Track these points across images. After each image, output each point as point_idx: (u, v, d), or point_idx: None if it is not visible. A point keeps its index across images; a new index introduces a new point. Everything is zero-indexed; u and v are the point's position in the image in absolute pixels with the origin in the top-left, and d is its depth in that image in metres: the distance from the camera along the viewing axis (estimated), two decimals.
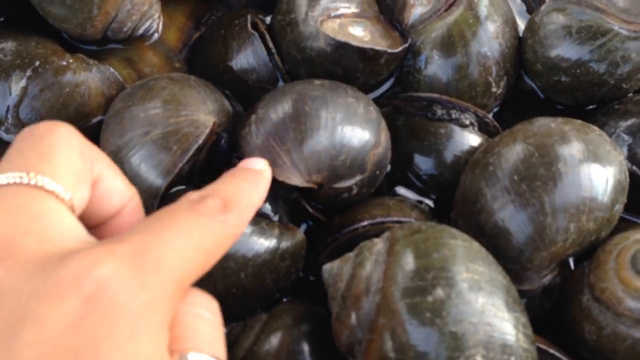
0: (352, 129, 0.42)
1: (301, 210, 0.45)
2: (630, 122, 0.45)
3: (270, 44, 0.49)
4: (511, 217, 0.39)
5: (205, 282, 0.40)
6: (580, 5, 0.46)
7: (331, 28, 0.46)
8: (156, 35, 0.50)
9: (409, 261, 0.34)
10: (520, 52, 0.50)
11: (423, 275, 0.33)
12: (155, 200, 0.41)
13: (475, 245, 0.36)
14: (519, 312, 0.34)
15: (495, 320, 0.33)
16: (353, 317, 0.35)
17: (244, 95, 0.50)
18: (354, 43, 0.45)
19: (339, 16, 0.47)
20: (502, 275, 0.35)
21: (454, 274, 0.33)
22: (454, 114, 0.47)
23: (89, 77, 0.46)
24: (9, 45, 0.45)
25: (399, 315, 0.33)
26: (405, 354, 0.32)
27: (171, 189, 0.43)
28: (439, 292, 0.33)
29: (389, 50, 0.46)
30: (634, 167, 0.44)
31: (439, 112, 0.47)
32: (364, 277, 0.36)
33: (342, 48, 0.45)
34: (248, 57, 0.50)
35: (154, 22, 0.48)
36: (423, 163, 0.47)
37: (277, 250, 0.41)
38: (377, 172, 0.45)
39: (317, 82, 0.44)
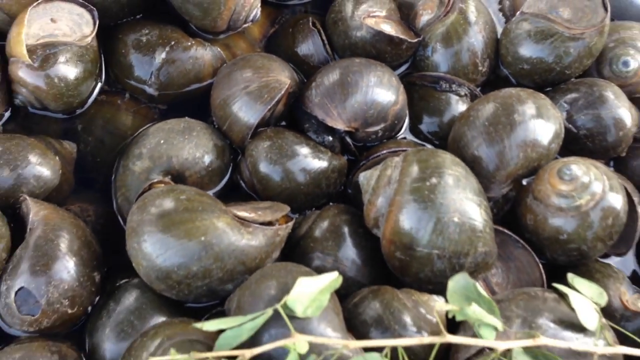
0: (378, 93, 0.64)
1: (344, 147, 0.67)
2: (569, 96, 0.67)
3: (324, 37, 0.72)
4: (482, 150, 0.60)
5: (285, 181, 0.62)
6: (538, 17, 0.68)
7: (370, 22, 0.69)
8: (256, 20, 0.70)
9: (415, 164, 0.55)
10: (498, 48, 0.72)
11: (424, 171, 0.54)
12: (250, 131, 0.63)
13: (458, 159, 0.57)
14: (483, 198, 0.55)
15: (467, 199, 0.54)
16: (380, 199, 0.56)
17: (306, 72, 0.72)
18: (386, 32, 0.67)
19: (374, 16, 0.69)
20: (474, 178, 0.56)
21: (444, 171, 0.54)
22: (454, 87, 0.68)
23: (204, 54, 0.69)
24: (154, 30, 0.68)
25: (409, 194, 0.54)
26: (412, 218, 0.53)
27: (258, 128, 0.65)
28: (434, 180, 0.54)
29: (409, 40, 0.69)
30: (570, 125, 0.65)
31: (444, 85, 0.68)
32: (387, 175, 0.57)
33: (377, 35, 0.67)
34: (309, 46, 0.72)
35: (258, 10, 0.69)
36: (428, 119, 0.69)
37: (329, 165, 0.63)
38: (396, 122, 0.66)
39: (357, 60, 0.66)
